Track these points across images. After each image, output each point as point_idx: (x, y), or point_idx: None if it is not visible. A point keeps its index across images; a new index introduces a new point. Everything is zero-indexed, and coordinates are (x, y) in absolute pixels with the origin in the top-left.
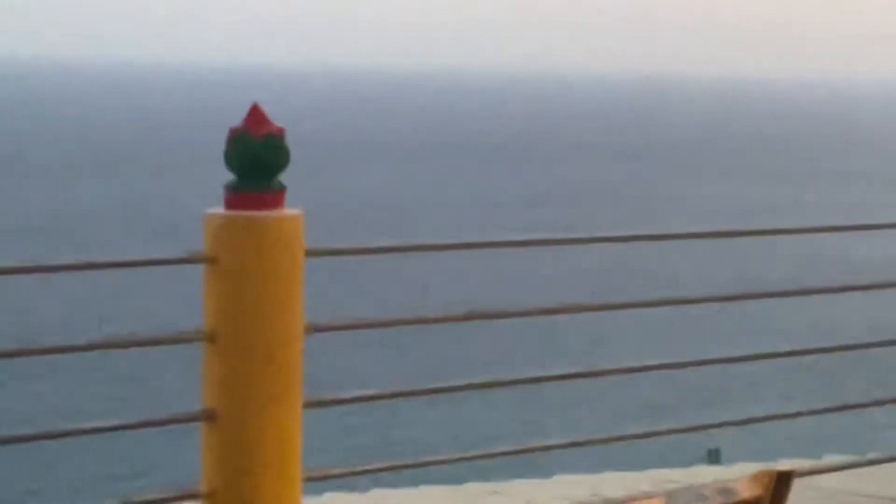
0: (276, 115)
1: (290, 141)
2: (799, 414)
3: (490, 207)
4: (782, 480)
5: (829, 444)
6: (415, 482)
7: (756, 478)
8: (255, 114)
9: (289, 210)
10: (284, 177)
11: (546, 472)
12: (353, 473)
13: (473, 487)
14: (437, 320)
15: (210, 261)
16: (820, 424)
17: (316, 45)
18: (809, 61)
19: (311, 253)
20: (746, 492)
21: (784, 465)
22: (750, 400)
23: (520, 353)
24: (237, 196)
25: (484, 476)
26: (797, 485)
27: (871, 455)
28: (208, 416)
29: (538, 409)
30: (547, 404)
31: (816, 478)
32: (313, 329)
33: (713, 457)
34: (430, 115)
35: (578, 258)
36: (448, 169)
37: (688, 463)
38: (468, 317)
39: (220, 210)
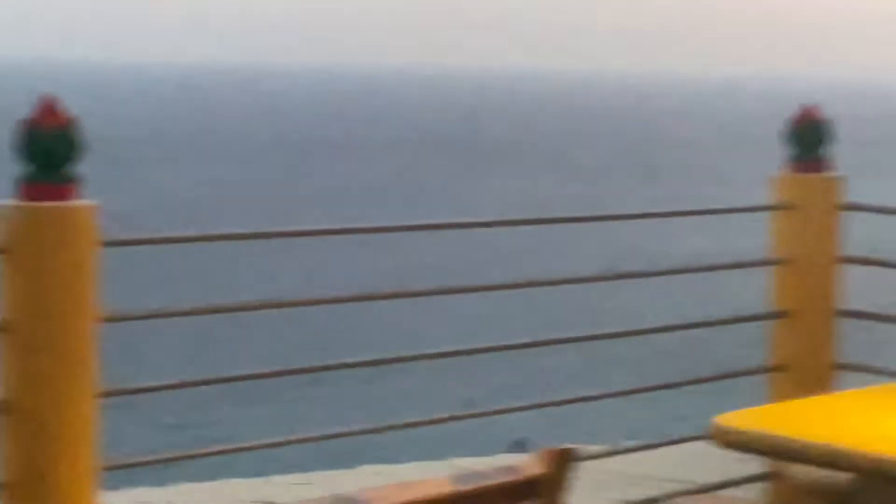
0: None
1: (95, 135)
2: (596, 397)
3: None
4: (563, 458)
5: (638, 431)
6: (219, 476)
7: (538, 456)
8: (47, 105)
9: (84, 201)
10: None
11: (350, 464)
12: (152, 462)
13: (278, 479)
14: (235, 309)
15: (4, 251)
16: (628, 414)
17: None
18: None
19: (108, 243)
20: (529, 470)
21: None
22: (557, 389)
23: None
24: (30, 187)
25: (289, 469)
26: (588, 468)
27: (662, 439)
28: (5, 408)
29: (339, 402)
30: (346, 397)
31: (607, 461)
32: (109, 319)
33: (519, 447)
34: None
35: (388, 250)
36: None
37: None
38: (270, 305)
39: (13, 201)
